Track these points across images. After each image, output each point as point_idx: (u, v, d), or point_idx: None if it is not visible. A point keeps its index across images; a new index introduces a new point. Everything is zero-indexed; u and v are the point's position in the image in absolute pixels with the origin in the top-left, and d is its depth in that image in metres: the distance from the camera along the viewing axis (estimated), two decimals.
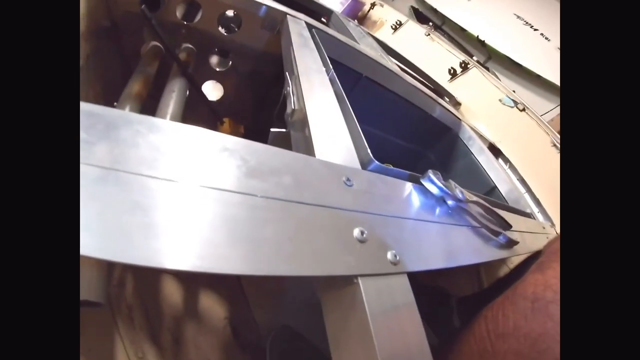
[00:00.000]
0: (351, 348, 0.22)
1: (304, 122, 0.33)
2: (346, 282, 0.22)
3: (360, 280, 0.22)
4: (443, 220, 0.35)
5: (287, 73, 0.47)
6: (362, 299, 0.22)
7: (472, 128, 1.06)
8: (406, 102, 0.90)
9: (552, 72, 1.78)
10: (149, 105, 0.62)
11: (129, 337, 0.59)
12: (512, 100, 1.34)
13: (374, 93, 0.85)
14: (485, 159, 0.90)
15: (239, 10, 0.68)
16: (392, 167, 0.36)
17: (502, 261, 0.86)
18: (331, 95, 0.41)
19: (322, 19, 1.17)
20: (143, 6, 0.54)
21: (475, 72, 1.65)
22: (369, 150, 0.34)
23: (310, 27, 0.66)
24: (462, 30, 2.26)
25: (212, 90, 0.88)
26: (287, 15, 0.64)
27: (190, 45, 0.75)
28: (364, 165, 0.33)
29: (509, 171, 1.19)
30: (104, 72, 0.69)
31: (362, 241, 0.23)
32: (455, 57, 1.75)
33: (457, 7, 2.29)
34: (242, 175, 0.21)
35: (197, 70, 0.78)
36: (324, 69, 0.49)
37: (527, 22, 1.99)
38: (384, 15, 2.35)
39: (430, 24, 2.54)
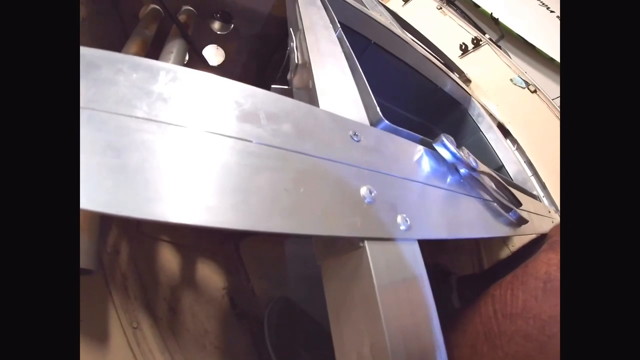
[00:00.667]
0: (354, 321, 0.20)
1: (308, 76, 0.30)
2: (351, 246, 0.20)
3: (367, 244, 0.19)
4: (454, 189, 0.32)
5: (291, 29, 0.43)
6: (369, 265, 0.19)
7: (482, 105, 1.02)
8: (416, 72, 0.86)
9: None
10: None
11: (123, 307, 0.58)
12: (524, 80, 1.29)
13: (383, 61, 0.80)
14: (494, 137, 0.87)
15: None
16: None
17: (504, 242, 0.84)
18: (339, 51, 0.38)
19: None
20: None
21: (487, 50, 1.59)
22: (378, 109, 0.31)
23: None
24: (476, 6, 2.17)
25: (214, 55, 0.84)
26: None
27: (190, 8, 0.71)
28: (373, 124, 0.30)
29: (516, 153, 1.15)
30: (102, 35, 0.66)
31: (369, 201, 0.21)
32: (467, 33, 1.68)
33: None
34: (235, 119, 0.18)
35: (197, 34, 0.73)
36: (331, 26, 0.45)
37: (543, 3, 1.91)
38: None
39: None
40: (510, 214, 0.41)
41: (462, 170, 0.34)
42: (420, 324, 0.20)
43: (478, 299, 0.40)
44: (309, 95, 0.28)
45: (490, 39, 2.07)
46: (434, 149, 0.33)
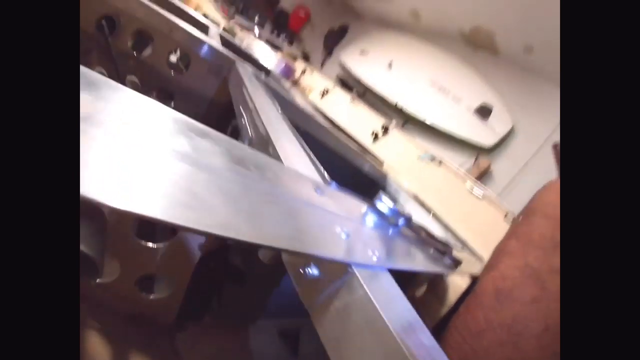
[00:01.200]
0: (360, 344, 0.21)
1: (267, 144, 0.35)
2: (340, 273, 0.22)
3: (355, 269, 0.22)
4: (397, 237, 0.37)
5: (240, 107, 0.49)
6: (362, 285, 0.21)
7: (396, 183, 1.16)
8: (337, 156, 0.97)
9: (462, 131, 2.07)
10: None
11: None
12: (430, 156, 1.52)
13: (309, 145, 0.90)
14: (411, 207, 0.98)
15: (189, 50, 0.69)
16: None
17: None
18: (287, 127, 0.44)
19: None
20: (103, 22, 0.52)
21: (395, 134, 1.84)
22: (325, 173, 0.36)
23: (255, 76, 0.70)
24: (382, 99, 2.56)
25: None
26: (236, 62, 0.68)
27: (135, 79, 0.73)
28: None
29: (432, 219, 1.30)
30: None
31: (346, 237, 0.24)
32: (377, 121, 1.95)
33: (378, 77, 2.61)
34: (228, 161, 0.21)
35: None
36: (274, 107, 0.52)
37: (440, 88, 2.31)
38: (312, 83, 2.57)
39: (355, 91, 2.84)
40: (445, 257, 0.47)
41: (401, 221, 0.40)
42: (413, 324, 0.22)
43: (443, 334, 0.42)
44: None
45: (397, 125, 2.43)
46: (375, 207, 0.39)
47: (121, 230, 0.49)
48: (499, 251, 0.42)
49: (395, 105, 2.42)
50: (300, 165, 0.33)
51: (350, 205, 0.34)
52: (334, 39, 3.39)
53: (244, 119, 0.45)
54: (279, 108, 0.54)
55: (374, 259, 0.25)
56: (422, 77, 2.34)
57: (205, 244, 0.51)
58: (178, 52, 0.70)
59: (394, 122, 2.45)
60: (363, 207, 0.38)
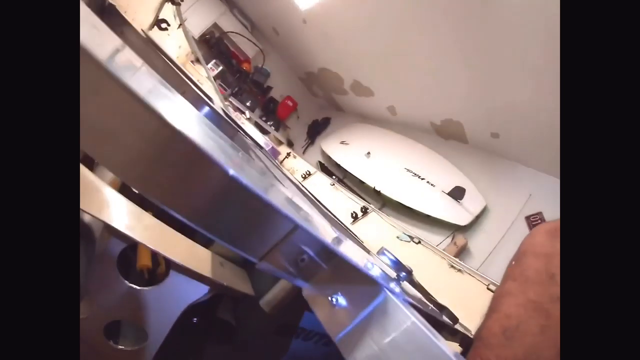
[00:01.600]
0: None
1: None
2: (373, 296, 0.26)
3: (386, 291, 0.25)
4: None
5: None
6: (395, 302, 0.25)
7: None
8: None
9: (438, 211, 2.17)
10: None
11: None
12: (408, 235, 1.58)
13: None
14: None
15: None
16: None
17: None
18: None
19: None
20: None
21: (374, 215, 1.92)
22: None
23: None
24: (361, 182, 2.71)
25: None
26: (238, 133, 0.77)
27: None
28: None
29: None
30: None
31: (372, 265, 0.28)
32: (356, 203, 2.04)
33: (357, 163, 2.79)
34: None
35: None
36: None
37: (415, 174, 2.46)
38: (295, 165, 2.72)
39: (334, 177, 3.00)
40: (444, 312, 0.50)
41: (402, 274, 0.43)
42: None
43: None
44: None
45: (376, 207, 2.53)
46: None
47: (105, 261, 0.48)
48: (498, 295, 0.44)
49: (374, 189, 2.55)
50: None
51: (359, 254, 0.38)
52: (317, 129, 3.69)
53: None
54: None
55: (397, 289, 0.28)
56: (398, 164, 2.53)
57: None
58: None
59: (371, 205, 2.55)
60: (370, 257, 0.41)
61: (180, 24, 1.61)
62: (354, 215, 1.96)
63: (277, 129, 3.56)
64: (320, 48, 2.94)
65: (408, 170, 2.46)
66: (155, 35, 1.27)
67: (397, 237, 1.65)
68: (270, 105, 3.60)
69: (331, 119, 3.70)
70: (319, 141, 3.56)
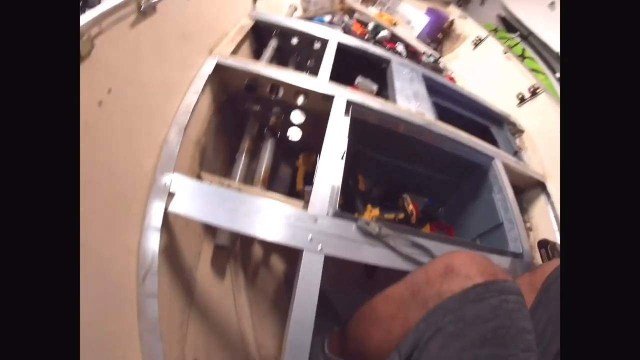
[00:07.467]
0: None
1: None
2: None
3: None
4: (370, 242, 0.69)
5: None
6: None
7: (508, 165, 1.19)
8: (439, 149, 1.13)
9: None
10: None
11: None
12: None
13: (411, 142, 1.10)
14: (501, 197, 1.06)
15: (306, 91, 1.02)
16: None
17: None
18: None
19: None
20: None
21: (544, 99, 1.66)
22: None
23: (349, 104, 0.97)
24: (544, 45, 2.20)
25: (295, 133, 1.25)
26: (335, 97, 0.97)
27: (278, 108, 1.13)
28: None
29: (548, 207, 1.27)
30: (222, 125, 1.11)
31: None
32: (526, 81, 1.77)
33: (540, 18, 2.22)
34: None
35: (284, 122, 1.16)
36: (343, 143, 0.82)
37: None
38: (466, 30, 2.42)
39: (518, 33, 2.50)
40: None
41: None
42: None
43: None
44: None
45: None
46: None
47: None
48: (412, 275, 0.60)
49: (558, 54, 2.06)
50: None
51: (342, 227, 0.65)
52: None
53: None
54: (345, 143, 0.83)
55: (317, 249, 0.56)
56: None
57: None
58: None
59: (557, 74, 2.13)
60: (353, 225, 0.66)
61: None
62: (520, 97, 1.77)
63: None
64: None
65: None
66: None
67: None
68: None
69: None
70: None
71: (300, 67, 1.43)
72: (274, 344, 0.91)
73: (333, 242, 0.67)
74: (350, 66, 1.35)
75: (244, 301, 0.96)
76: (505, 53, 2.02)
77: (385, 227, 0.71)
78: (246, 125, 1.12)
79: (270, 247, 1.12)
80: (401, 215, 1.17)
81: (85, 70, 0.52)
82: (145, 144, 0.72)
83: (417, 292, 0.55)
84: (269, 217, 0.68)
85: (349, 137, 0.89)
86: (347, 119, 0.93)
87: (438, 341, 0.46)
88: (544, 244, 0.95)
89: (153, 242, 0.64)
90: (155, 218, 0.66)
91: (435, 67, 1.97)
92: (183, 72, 0.91)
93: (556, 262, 0.68)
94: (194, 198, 0.68)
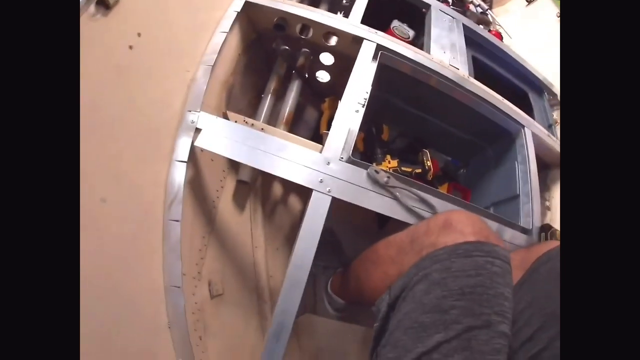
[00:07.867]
0: None
1: None
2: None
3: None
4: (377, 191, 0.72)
5: None
6: None
7: (539, 136, 1.13)
8: (469, 107, 1.07)
9: None
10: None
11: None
12: None
13: (441, 97, 1.06)
14: (523, 168, 1.03)
15: (336, 31, 0.98)
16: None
17: None
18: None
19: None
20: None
21: None
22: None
23: (379, 48, 0.93)
24: None
25: (323, 76, 1.23)
26: (364, 40, 0.94)
27: (307, 49, 1.10)
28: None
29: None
30: (251, 64, 1.10)
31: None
32: None
33: None
34: None
35: (313, 64, 1.13)
36: (366, 90, 0.82)
37: None
38: None
39: None
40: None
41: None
42: None
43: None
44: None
45: None
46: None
47: None
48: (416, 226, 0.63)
49: None
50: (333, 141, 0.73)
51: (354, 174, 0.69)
52: None
53: None
54: (369, 90, 0.83)
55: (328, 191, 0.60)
56: None
57: None
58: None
59: None
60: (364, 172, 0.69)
61: None
62: None
63: None
64: None
65: None
66: None
67: None
68: None
69: None
70: None
71: (333, 6, 1.34)
72: (283, 276, 0.99)
73: (342, 186, 0.71)
74: (389, 9, 1.26)
75: (260, 234, 1.04)
76: (559, 17, 1.82)
77: (395, 178, 0.74)
78: (274, 65, 1.10)
79: (288, 187, 1.17)
80: (418, 170, 1.17)
81: (115, 17, 0.55)
82: (174, 84, 0.75)
83: (415, 240, 0.58)
84: (285, 157, 0.72)
85: (378, 85, 0.87)
86: (374, 65, 0.90)
87: (423, 285, 0.50)
88: (545, 229, 0.93)
89: (179, 173, 0.69)
90: (182, 152, 0.71)
91: (482, 19, 1.81)
92: (211, 11, 0.90)
93: (553, 243, 0.68)
94: (218, 135, 0.73)
